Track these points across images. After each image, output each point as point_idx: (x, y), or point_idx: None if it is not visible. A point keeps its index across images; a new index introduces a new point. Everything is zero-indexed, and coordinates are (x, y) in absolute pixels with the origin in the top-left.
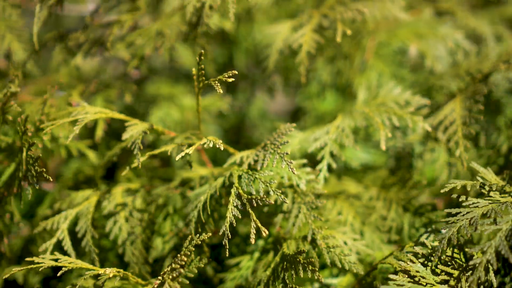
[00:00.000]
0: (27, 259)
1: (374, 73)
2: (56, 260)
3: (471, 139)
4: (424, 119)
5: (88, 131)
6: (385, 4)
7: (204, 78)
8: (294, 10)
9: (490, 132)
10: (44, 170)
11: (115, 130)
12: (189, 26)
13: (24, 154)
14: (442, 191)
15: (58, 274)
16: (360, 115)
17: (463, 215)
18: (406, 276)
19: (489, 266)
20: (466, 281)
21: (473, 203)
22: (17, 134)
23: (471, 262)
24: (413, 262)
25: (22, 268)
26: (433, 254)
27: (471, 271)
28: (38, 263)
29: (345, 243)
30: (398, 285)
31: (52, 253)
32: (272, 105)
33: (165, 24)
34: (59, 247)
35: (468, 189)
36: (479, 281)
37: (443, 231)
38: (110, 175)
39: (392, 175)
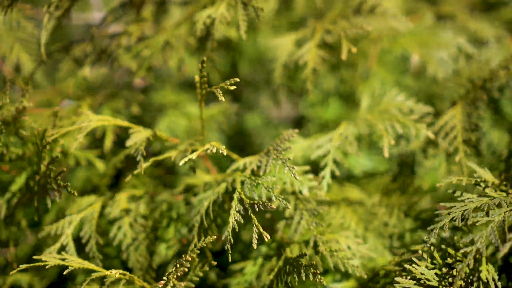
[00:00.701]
0: (35, 257)
1: (377, 81)
2: (63, 260)
3: (473, 146)
4: (427, 126)
5: (98, 142)
6: (387, 19)
7: (206, 86)
8: (295, 20)
9: (491, 139)
10: (69, 184)
11: (124, 139)
12: (198, 41)
13: (43, 168)
14: (437, 185)
15: (65, 273)
16: (363, 122)
17: (457, 208)
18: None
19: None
20: (456, 270)
21: (467, 198)
22: (25, 145)
23: (461, 251)
24: (418, 265)
25: (29, 265)
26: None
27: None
28: (45, 261)
29: (349, 247)
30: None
31: None
32: (276, 112)
33: (172, 35)
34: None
35: (463, 184)
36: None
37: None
38: (117, 183)
39: (394, 181)
